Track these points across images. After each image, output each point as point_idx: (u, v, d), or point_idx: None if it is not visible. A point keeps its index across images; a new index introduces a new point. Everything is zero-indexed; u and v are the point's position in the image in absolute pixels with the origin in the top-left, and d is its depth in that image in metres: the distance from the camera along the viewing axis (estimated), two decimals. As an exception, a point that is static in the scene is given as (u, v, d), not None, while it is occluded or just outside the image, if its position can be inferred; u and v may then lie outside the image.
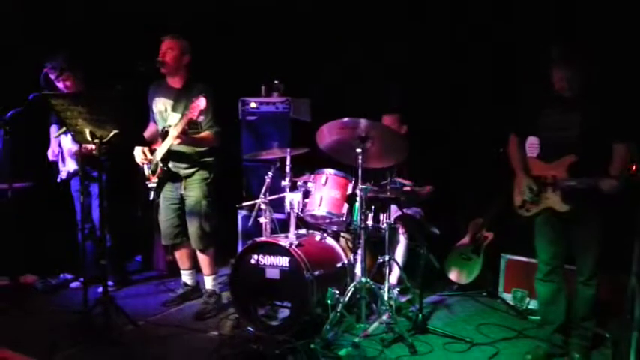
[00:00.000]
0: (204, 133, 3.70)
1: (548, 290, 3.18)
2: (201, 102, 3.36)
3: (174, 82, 3.78)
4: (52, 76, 3.98)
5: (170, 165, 3.76)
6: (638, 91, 3.51)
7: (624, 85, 3.54)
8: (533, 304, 3.83)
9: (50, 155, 4.24)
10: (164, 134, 3.65)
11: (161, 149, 3.66)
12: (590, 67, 2.96)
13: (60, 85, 4.03)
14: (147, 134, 3.87)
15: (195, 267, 4.09)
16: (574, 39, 3.60)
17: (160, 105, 3.81)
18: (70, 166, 4.20)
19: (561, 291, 3.17)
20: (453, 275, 4.32)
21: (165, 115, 3.77)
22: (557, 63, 2.96)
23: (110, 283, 4.40)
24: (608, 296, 3.27)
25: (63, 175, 4.24)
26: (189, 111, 3.41)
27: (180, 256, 4.08)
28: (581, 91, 2.96)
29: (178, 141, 3.51)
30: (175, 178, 3.80)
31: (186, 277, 4.12)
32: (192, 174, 3.79)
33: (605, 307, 3.23)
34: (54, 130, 4.25)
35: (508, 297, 4.00)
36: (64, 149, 4.21)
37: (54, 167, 4.28)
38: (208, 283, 3.96)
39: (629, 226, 2.93)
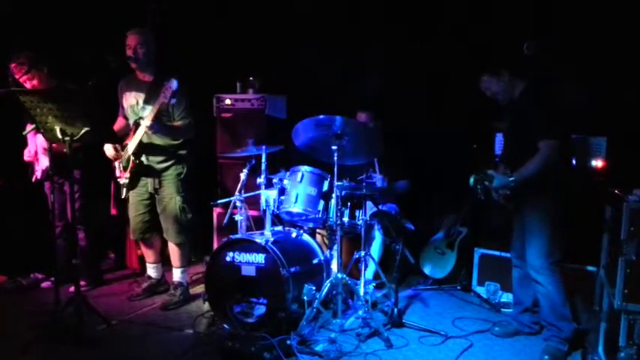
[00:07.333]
0: (177, 123, 3.71)
1: (515, 275, 3.40)
2: (173, 84, 3.38)
3: (145, 76, 3.77)
4: (17, 76, 3.83)
5: (143, 159, 3.74)
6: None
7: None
8: (506, 297, 3.90)
9: (26, 155, 4.12)
10: (136, 126, 3.63)
11: (133, 142, 3.63)
12: (498, 84, 3.14)
13: (27, 85, 3.88)
14: (115, 129, 3.81)
15: (162, 261, 4.12)
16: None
17: (132, 99, 3.78)
18: (43, 163, 4.09)
19: (528, 278, 3.24)
20: (427, 270, 4.37)
21: (137, 108, 3.74)
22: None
23: (83, 282, 4.33)
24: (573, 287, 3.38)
25: (38, 174, 4.12)
26: (161, 95, 3.42)
27: (147, 250, 4.07)
28: (508, 101, 3.17)
29: (152, 130, 3.50)
30: (147, 172, 3.78)
31: (151, 270, 4.12)
32: (167, 168, 3.79)
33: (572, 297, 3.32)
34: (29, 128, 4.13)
35: (482, 290, 4.05)
36: (38, 147, 4.10)
37: (30, 167, 4.15)
38: (176, 275, 3.98)
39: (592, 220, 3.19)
